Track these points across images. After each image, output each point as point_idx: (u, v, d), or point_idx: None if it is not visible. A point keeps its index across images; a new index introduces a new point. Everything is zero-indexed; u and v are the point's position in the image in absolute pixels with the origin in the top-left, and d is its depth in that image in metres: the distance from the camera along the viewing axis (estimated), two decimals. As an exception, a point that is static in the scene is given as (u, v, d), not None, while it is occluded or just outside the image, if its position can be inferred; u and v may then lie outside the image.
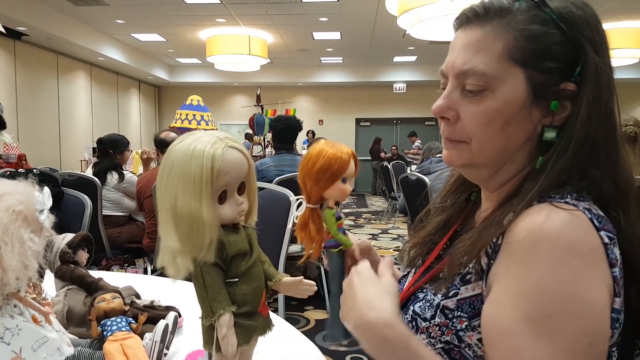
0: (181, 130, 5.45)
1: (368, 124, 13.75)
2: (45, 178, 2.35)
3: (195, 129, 5.37)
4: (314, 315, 3.48)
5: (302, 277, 0.77)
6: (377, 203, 10.68)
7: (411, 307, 0.72)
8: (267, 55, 9.37)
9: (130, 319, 1.09)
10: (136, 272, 3.23)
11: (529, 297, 0.57)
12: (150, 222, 3.37)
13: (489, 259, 0.63)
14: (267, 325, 0.73)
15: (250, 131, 7.98)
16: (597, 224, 0.59)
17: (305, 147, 7.90)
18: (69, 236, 1.32)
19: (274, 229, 2.08)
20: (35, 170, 2.45)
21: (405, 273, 0.85)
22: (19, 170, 2.61)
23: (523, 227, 0.60)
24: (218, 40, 8.85)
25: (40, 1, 7.42)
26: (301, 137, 10.32)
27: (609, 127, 0.64)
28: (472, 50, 0.65)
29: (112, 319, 1.07)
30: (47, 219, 0.85)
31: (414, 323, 0.70)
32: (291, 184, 2.56)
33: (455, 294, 0.67)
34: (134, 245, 3.58)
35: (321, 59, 11.80)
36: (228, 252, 0.66)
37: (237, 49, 8.64)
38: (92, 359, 1.00)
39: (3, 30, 0.89)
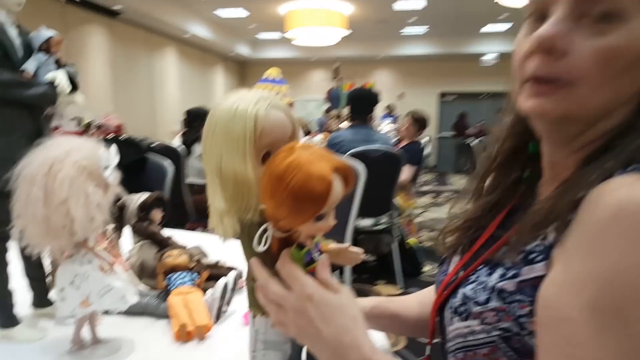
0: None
1: (452, 98, 13.14)
2: (130, 144, 2.51)
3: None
4: (385, 290, 3.46)
5: (349, 244, 0.73)
6: (461, 182, 10.29)
7: (461, 290, 0.64)
8: (347, 27, 9.23)
9: (195, 274, 1.14)
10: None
11: (597, 282, 0.47)
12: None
13: (558, 235, 0.53)
14: None
15: (328, 106, 7.98)
16: None
17: (383, 123, 7.73)
18: (144, 196, 1.40)
19: (343, 201, 2.06)
20: (121, 137, 2.62)
21: (443, 258, 0.77)
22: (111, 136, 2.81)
23: (599, 199, 0.50)
24: (297, 13, 8.86)
25: (134, -19, 7.85)
26: (379, 111, 10.19)
27: None
28: None
29: (178, 273, 1.12)
30: (112, 175, 0.89)
31: (464, 307, 0.62)
32: (362, 158, 2.51)
33: (516, 275, 0.57)
34: (216, 212, 3.75)
35: (402, 30, 11.41)
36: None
37: (315, 21, 8.60)
38: (157, 310, 1.05)
39: None
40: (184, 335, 0.94)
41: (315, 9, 8.67)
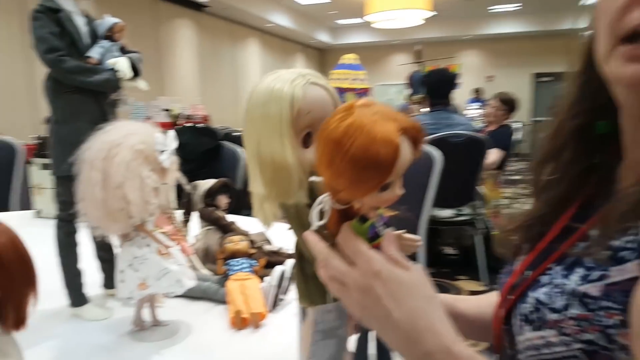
0: (335, 90, 5.53)
1: (549, 79, 12.14)
2: (205, 132, 2.58)
3: (347, 88, 5.37)
4: (467, 286, 3.29)
5: (405, 230, 0.65)
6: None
7: (531, 295, 0.55)
8: (430, 7, 8.85)
9: (254, 261, 1.13)
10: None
11: None
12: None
13: None
14: None
15: (410, 90, 7.74)
16: None
17: (470, 108, 7.33)
18: (212, 182, 1.42)
19: (416, 189, 1.97)
20: (197, 125, 2.71)
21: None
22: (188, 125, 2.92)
23: None
24: (378, -4, 8.64)
25: (218, -26, 8.13)
26: (465, 94, 9.72)
27: None
28: None
29: (237, 259, 1.11)
30: (168, 160, 0.89)
31: (537, 314, 0.54)
32: (442, 144, 2.38)
33: (602, 277, 0.49)
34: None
35: (491, 7, 10.75)
36: (314, 197, 0.61)
37: (397, 3, 8.33)
38: (217, 294, 1.05)
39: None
40: (239, 322, 0.93)
41: (396, -10, 8.39)
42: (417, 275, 0.48)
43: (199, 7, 8.76)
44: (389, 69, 13.37)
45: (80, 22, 0.97)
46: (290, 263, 1.09)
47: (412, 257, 0.58)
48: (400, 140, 0.44)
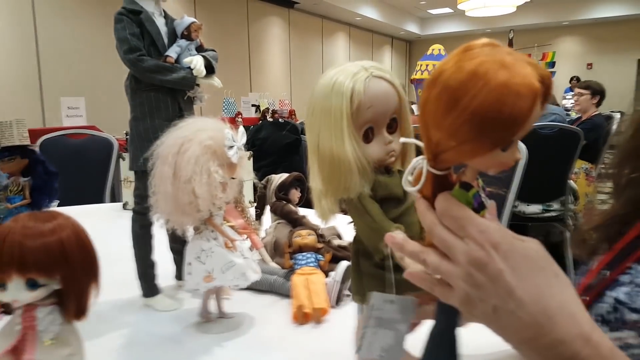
0: (419, 82, 5.38)
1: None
2: (287, 127, 2.63)
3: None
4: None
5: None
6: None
7: (609, 294, 0.52)
8: (527, -8, 8.29)
9: (320, 256, 1.12)
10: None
11: None
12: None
13: None
14: None
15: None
16: None
17: (567, 97, 6.76)
18: (284, 176, 1.44)
19: (498, 183, 1.85)
20: (280, 120, 2.77)
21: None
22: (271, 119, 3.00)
23: None
24: (470, -17, 8.25)
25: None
26: (562, 84, 8.99)
27: None
28: None
29: (304, 254, 1.12)
30: (236, 155, 0.91)
31: (616, 315, 0.50)
32: (530, 135, 2.21)
33: None
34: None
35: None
36: (377, 193, 0.59)
37: (491, -11, 7.89)
38: (283, 288, 1.07)
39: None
40: (302, 317, 0.93)
41: (490, -23, 7.97)
42: (540, 249, 0.41)
43: (290, 4, 8.96)
44: (480, 58, 12.75)
45: (160, 23, 1.02)
46: (356, 261, 1.08)
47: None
48: (539, 89, 0.36)
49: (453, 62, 0.38)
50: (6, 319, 0.55)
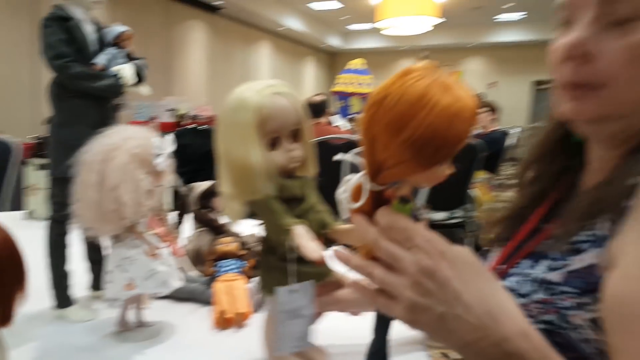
0: (340, 94, 5.59)
1: (548, 86, 12.21)
2: (206, 134, 2.63)
3: (353, 92, 5.39)
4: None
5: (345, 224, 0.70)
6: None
7: (503, 283, 0.61)
8: (438, 14, 8.93)
9: (243, 262, 1.16)
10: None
11: None
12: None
13: (612, 223, 0.51)
14: (325, 273, 0.70)
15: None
16: None
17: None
18: (207, 184, 1.46)
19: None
20: (198, 127, 2.76)
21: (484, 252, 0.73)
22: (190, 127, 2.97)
23: None
24: (390, 3, 8.72)
25: (233, -24, 8.22)
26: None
27: None
28: None
29: (226, 261, 1.15)
30: (163, 163, 0.93)
31: None
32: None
33: (563, 266, 0.55)
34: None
35: (496, 16, 10.84)
36: (282, 194, 0.67)
37: (407, 10, 8.42)
38: (203, 295, 1.09)
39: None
40: (223, 322, 0.96)
41: (407, -3, 8.48)
42: (473, 255, 0.45)
43: (213, 9, 8.85)
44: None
45: (89, 30, 1.01)
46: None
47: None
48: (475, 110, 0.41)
49: (398, 85, 0.40)
50: None
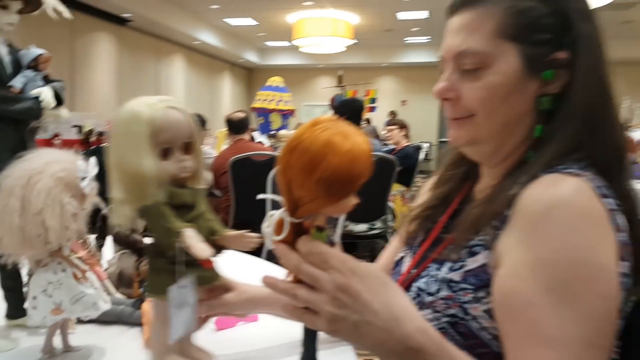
0: (260, 110, 5.66)
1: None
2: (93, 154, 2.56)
3: (273, 109, 5.51)
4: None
5: (247, 230, 0.76)
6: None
7: (414, 285, 0.72)
8: (352, 36, 9.34)
9: (171, 284, 1.17)
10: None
11: (546, 267, 0.56)
12: (226, 198, 3.55)
13: (497, 229, 0.63)
14: (212, 278, 0.75)
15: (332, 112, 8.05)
16: (600, 192, 0.61)
17: (385, 128, 7.82)
18: (130, 205, 1.44)
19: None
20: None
21: (403, 254, 0.84)
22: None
23: (533, 197, 0.60)
24: (304, 23, 8.98)
25: (143, -11, 8.00)
26: (382, 117, 10.25)
27: (605, 92, 0.66)
28: (466, 32, 0.68)
29: (154, 282, 1.15)
30: (89, 186, 0.93)
31: (418, 299, 0.70)
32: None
33: (462, 267, 0.67)
34: (212, 219, 3.81)
35: (406, 38, 11.58)
36: (172, 201, 0.70)
37: (322, 31, 8.73)
38: (131, 317, 1.09)
39: (66, 14, 0.99)
40: (154, 343, 0.97)
41: (322, 18, 8.82)
42: (380, 271, 0.56)
43: (121, 21, 8.52)
44: (314, 90, 13.78)
45: (3, 52, 0.99)
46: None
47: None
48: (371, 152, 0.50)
49: (308, 134, 0.49)
50: None
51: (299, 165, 0.48)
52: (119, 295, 1.21)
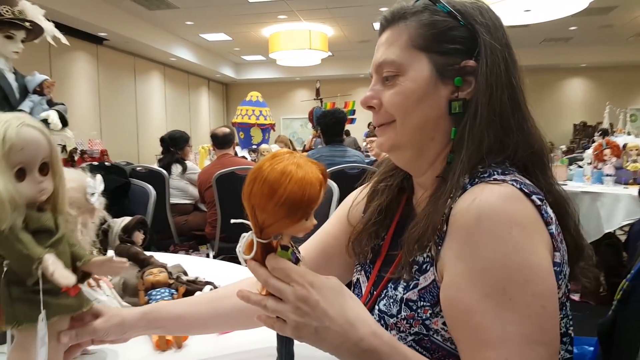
0: (241, 125, 5.75)
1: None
2: (115, 170, 2.61)
3: (253, 124, 5.56)
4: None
5: (112, 255, 0.76)
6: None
7: (376, 307, 0.75)
8: (328, 48, 9.48)
9: (174, 290, 1.25)
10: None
11: (481, 275, 0.61)
12: (212, 212, 3.61)
13: (437, 245, 0.67)
14: (79, 304, 0.71)
15: (311, 125, 8.14)
16: (526, 190, 0.64)
17: (365, 140, 7.96)
18: (127, 219, 1.51)
19: (318, 218, 2.18)
20: (107, 163, 2.72)
21: (357, 275, 0.86)
22: (103, 163, 2.91)
23: (462, 210, 0.64)
24: (280, 36, 9.10)
25: (119, 8, 8.01)
26: (361, 128, 10.40)
27: (513, 97, 0.72)
28: (385, 46, 0.76)
29: (157, 289, 1.22)
30: (97, 201, 1.00)
31: (382, 322, 0.73)
32: (338, 177, 2.64)
33: (416, 285, 0.70)
34: (198, 233, 3.86)
35: (383, 50, 11.78)
36: (29, 226, 0.66)
37: (298, 44, 8.84)
38: (139, 323, 1.16)
39: (63, 40, 1.05)
40: (164, 344, 1.04)
41: (297, 31, 8.93)
42: (337, 281, 0.62)
43: (98, 40, 8.52)
44: (292, 103, 13.86)
45: (11, 78, 1.06)
46: (207, 289, 1.23)
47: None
48: (323, 179, 0.57)
49: (268, 165, 0.56)
50: None
51: (261, 193, 0.55)
52: (125, 304, 1.27)
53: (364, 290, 0.82)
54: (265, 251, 0.60)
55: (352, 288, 0.86)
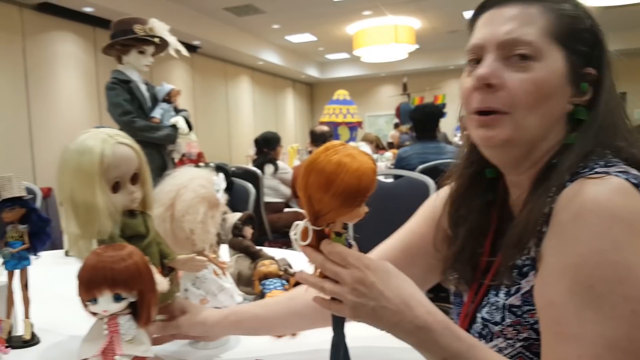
0: (328, 124, 5.85)
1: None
2: (219, 170, 2.80)
3: (340, 122, 5.64)
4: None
5: (194, 254, 0.83)
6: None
7: (479, 315, 0.74)
8: (415, 41, 9.29)
9: (284, 280, 1.32)
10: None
11: (570, 270, 0.58)
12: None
13: (537, 246, 0.65)
14: (165, 297, 0.81)
15: (398, 120, 8.06)
16: (634, 181, 0.59)
17: (457, 134, 7.68)
18: (238, 215, 1.62)
19: (408, 215, 2.17)
20: (211, 164, 2.92)
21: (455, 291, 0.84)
22: (199, 164, 3.13)
23: (562, 208, 0.61)
24: (364, 33, 9.08)
25: (210, 16, 8.51)
26: (452, 123, 10.05)
27: (622, 111, 0.68)
28: (517, 22, 0.67)
29: (270, 280, 1.31)
30: (222, 197, 1.10)
31: (486, 330, 0.71)
32: (433, 172, 2.61)
33: (518, 290, 0.68)
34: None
35: (472, 39, 11.29)
36: (125, 232, 0.74)
37: (383, 39, 8.76)
38: (256, 310, 1.24)
39: (184, 52, 1.16)
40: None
41: (382, 26, 8.84)
42: (390, 265, 0.63)
43: (192, 49, 9.10)
44: (377, 99, 13.77)
45: (144, 89, 1.20)
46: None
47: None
48: (376, 169, 0.60)
49: (323, 157, 0.59)
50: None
51: (317, 184, 0.58)
52: (240, 293, 1.37)
53: (465, 298, 0.81)
54: (319, 238, 0.63)
55: (453, 297, 0.85)
